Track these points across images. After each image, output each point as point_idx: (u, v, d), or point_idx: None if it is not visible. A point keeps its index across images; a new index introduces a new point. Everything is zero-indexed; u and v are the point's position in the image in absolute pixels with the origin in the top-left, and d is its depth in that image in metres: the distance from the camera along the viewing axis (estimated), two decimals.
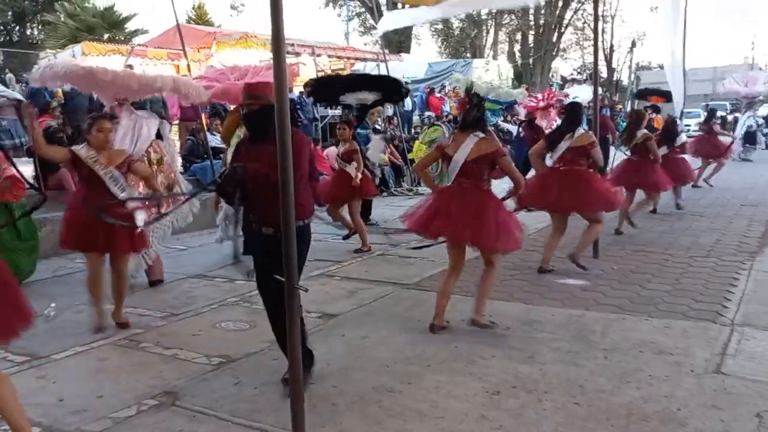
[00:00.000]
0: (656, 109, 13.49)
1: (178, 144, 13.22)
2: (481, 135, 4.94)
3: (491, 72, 25.94)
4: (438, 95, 19.72)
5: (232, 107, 8.12)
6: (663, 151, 10.08)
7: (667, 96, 13.20)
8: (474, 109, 5.02)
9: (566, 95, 21.59)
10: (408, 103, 18.97)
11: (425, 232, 5.08)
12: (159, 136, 6.55)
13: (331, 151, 12.91)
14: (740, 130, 17.27)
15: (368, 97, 9.47)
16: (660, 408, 3.65)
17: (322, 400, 3.85)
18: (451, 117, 16.34)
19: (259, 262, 4.03)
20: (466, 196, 4.92)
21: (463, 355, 4.54)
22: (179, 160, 7.09)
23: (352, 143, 8.64)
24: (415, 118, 18.42)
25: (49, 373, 4.38)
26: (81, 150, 5.19)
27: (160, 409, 3.81)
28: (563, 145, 6.56)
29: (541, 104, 17.80)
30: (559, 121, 18.72)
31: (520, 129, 13.78)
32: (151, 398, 3.94)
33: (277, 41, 3.04)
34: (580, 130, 6.62)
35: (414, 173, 11.99)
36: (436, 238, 5.16)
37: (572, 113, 6.80)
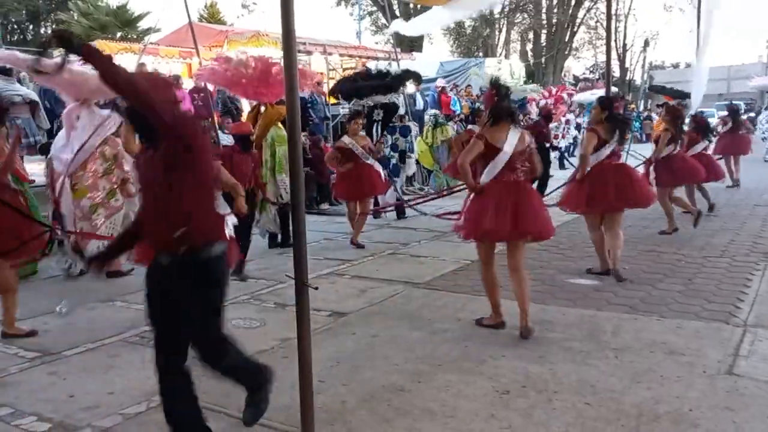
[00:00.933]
0: (661, 107, 13.44)
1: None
2: (520, 128, 4.95)
3: (503, 71, 25.82)
4: (450, 94, 19.66)
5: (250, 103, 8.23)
6: (701, 146, 10.03)
7: (679, 95, 13.07)
8: (505, 100, 5.00)
9: (574, 92, 21.59)
10: (420, 101, 18.96)
11: (491, 239, 4.98)
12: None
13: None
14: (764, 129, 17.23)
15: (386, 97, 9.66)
16: (671, 409, 3.62)
17: (332, 398, 3.85)
18: (462, 116, 16.29)
19: (154, 311, 3.13)
20: (520, 190, 4.89)
21: (473, 354, 4.53)
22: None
23: (363, 137, 8.67)
24: (426, 117, 18.41)
25: (60, 370, 4.41)
26: None
27: None
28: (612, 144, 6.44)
29: (551, 99, 17.83)
30: (568, 117, 18.73)
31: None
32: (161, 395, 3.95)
33: (288, 39, 3.03)
34: None
35: (446, 171, 11.95)
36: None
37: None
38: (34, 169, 9.81)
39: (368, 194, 8.72)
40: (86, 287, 6.57)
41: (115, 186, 6.71)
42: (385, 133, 11.15)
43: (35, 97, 9.57)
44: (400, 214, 10.97)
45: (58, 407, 3.80)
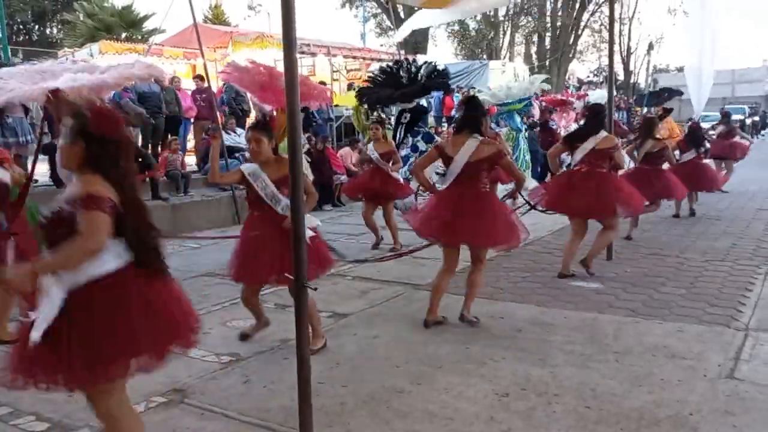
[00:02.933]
0: (667, 111, 13.30)
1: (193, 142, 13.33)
2: (481, 138, 5.03)
3: (507, 74, 25.84)
4: (455, 97, 19.66)
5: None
6: (689, 155, 10.11)
7: (677, 93, 13.00)
8: (471, 111, 5.16)
9: (585, 95, 21.54)
10: (423, 103, 18.93)
11: (423, 234, 5.27)
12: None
13: (345, 151, 13.01)
14: None
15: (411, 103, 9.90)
16: (672, 412, 3.61)
17: (331, 399, 3.84)
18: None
19: None
20: (465, 197, 5.02)
21: (474, 356, 4.51)
22: None
23: (389, 143, 8.66)
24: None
25: None
26: (248, 167, 4.59)
27: (169, 406, 3.82)
28: (587, 146, 6.41)
29: (559, 97, 17.71)
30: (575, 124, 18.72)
31: (533, 131, 13.77)
32: (159, 395, 3.95)
33: (289, 39, 3.03)
34: (604, 133, 6.49)
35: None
36: (432, 239, 5.35)
37: (596, 114, 6.65)
38: (39, 168, 9.86)
39: (379, 195, 8.64)
40: None
41: None
42: (408, 135, 11.34)
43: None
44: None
45: (57, 407, 3.79)
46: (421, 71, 10.65)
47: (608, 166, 6.49)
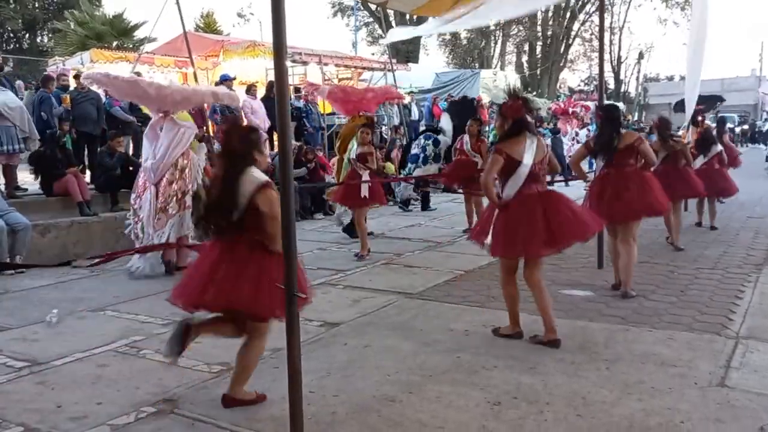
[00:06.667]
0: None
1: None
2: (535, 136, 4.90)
3: (499, 82, 25.95)
4: (442, 105, 19.74)
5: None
6: (699, 161, 9.91)
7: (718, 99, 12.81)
8: (532, 113, 5.14)
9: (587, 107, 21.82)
10: (415, 112, 19.03)
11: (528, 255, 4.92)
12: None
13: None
14: None
15: None
16: (663, 420, 3.61)
17: (322, 408, 3.82)
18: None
19: None
20: (548, 200, 4.86)
21: (465, 365, 4.51)
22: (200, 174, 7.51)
23: (369, 146, 8.68)
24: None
25: (49, 379, 4.37)
26: None
27: (159, 416, 3.79)
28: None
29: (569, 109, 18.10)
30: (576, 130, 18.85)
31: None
32: (150, 405, 3.92)
33: (279, 45, 3.04)
34: (623, 130, 6.30)
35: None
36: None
37: (613, 114, 6.35)
38: (27, 177, 9.84)
39: (366, 203, 8.67)
40: (77, 296, 6.55)
41: (177, 195, 7.12)
42: (420, 135, 12.48)
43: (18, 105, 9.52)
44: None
45: (45, 417, 3.77)
46: None
47: (636, 164, 6.20)
